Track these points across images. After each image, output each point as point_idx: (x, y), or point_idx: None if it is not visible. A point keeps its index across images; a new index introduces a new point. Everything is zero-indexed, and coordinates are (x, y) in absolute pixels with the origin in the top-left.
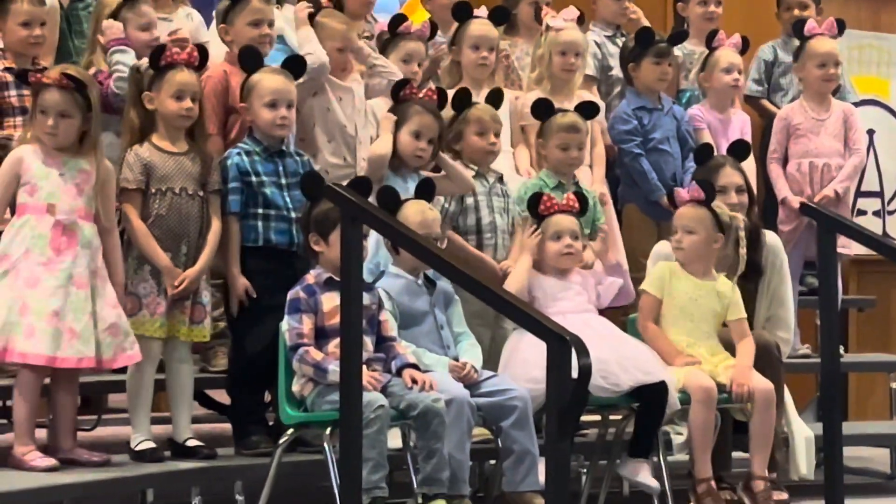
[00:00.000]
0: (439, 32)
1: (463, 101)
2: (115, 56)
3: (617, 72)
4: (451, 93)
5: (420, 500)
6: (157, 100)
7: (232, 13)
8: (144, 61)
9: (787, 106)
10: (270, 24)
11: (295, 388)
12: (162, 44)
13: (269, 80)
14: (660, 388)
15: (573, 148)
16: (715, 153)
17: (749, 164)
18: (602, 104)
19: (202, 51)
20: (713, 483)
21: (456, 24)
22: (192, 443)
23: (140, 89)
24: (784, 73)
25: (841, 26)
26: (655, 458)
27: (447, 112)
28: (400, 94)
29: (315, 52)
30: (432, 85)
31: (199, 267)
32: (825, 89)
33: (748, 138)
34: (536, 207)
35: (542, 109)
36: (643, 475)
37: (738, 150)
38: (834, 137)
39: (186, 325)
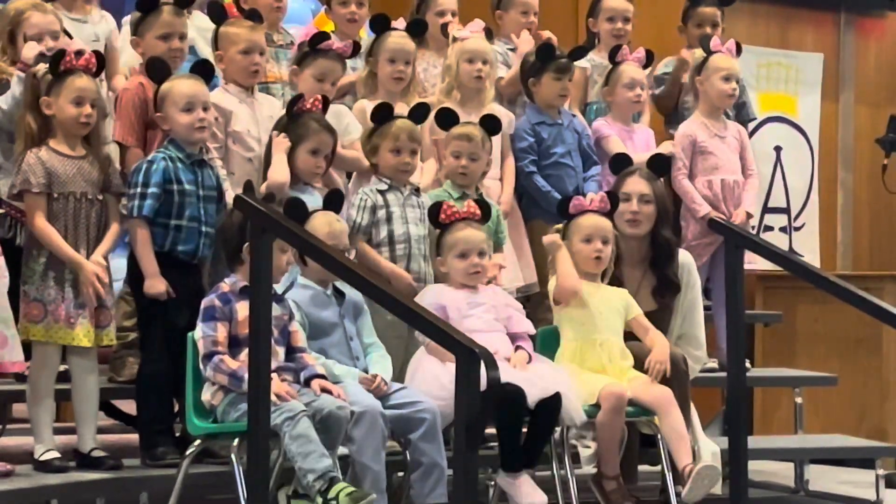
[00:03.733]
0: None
1: (383, 114)
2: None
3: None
4: (370, 105)
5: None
6: (55, 105)
7: (143, 25)
8: (41, 67)
9: (687, 122)
10: (182, 38)
11: (205, 397)
12: (61, 49)
13: (182, 85)
14: (552, 400)
15: (464, 156)
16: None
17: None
18: (512, 116)
19: (99, 57)
20: (621, 479)
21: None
22: (97, 453)
23: (36, 95)
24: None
25: (738, 49)
26: (563, 472)
27: (367, 123)
28: (294, 109)
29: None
30: (318, 95)
31: (102, 254)
32: (725, 104)
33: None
34: (437, 216)
35: (446, 120)
36: (527, 492)
37: (657, 164)
38: (735, 154)
39: (91, 329)
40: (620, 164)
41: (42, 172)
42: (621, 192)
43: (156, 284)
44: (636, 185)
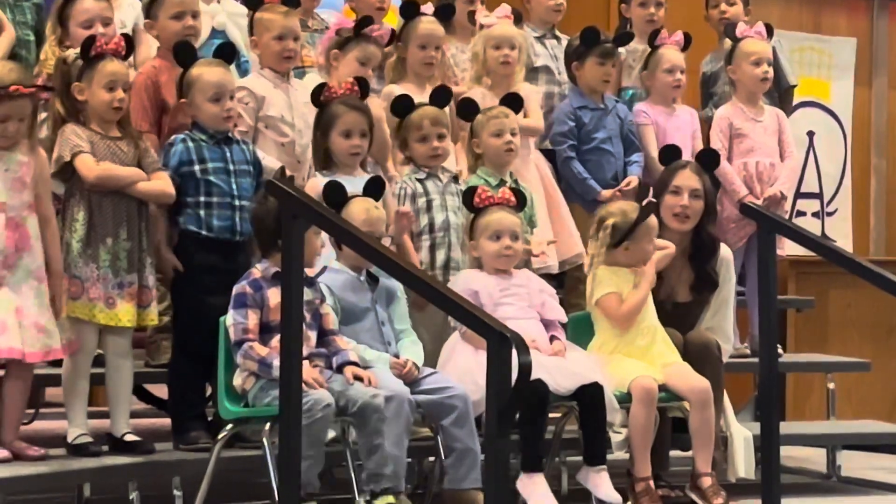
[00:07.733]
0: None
1: (403, 107)
2: None
3: (543, 73)
4: (398, 89)
5: (368, 498)
6: (87, 91)
7: (155, 7)
8: (70, 53)
9: (724, 106)
10: (195, 16)
11: (236, 382)
12: (92, 35)
13: (210, 73)
14: (594, 390)
15: (507, 132)
16: (682, 155)
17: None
18: (542, 89)
19: (128, 40)
20: (651, 482)
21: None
22: (129, 437)
23: (67, 81)
24: (714, 82)
25: (769, 30)
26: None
27: (392, 119)
28: (321, 98)
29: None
30: (349, 77)
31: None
32: (760, 88)
33: (699, 133)
34: (471, 201)
35: (469, 109)
36: (605, 490)
37: (706, 159)
38: (771, 138)
39: (131, 309)
40: (669, 155)
41: (86, 137)
42: (671, 185)
43: (166, 265)
44: (688, 179)
